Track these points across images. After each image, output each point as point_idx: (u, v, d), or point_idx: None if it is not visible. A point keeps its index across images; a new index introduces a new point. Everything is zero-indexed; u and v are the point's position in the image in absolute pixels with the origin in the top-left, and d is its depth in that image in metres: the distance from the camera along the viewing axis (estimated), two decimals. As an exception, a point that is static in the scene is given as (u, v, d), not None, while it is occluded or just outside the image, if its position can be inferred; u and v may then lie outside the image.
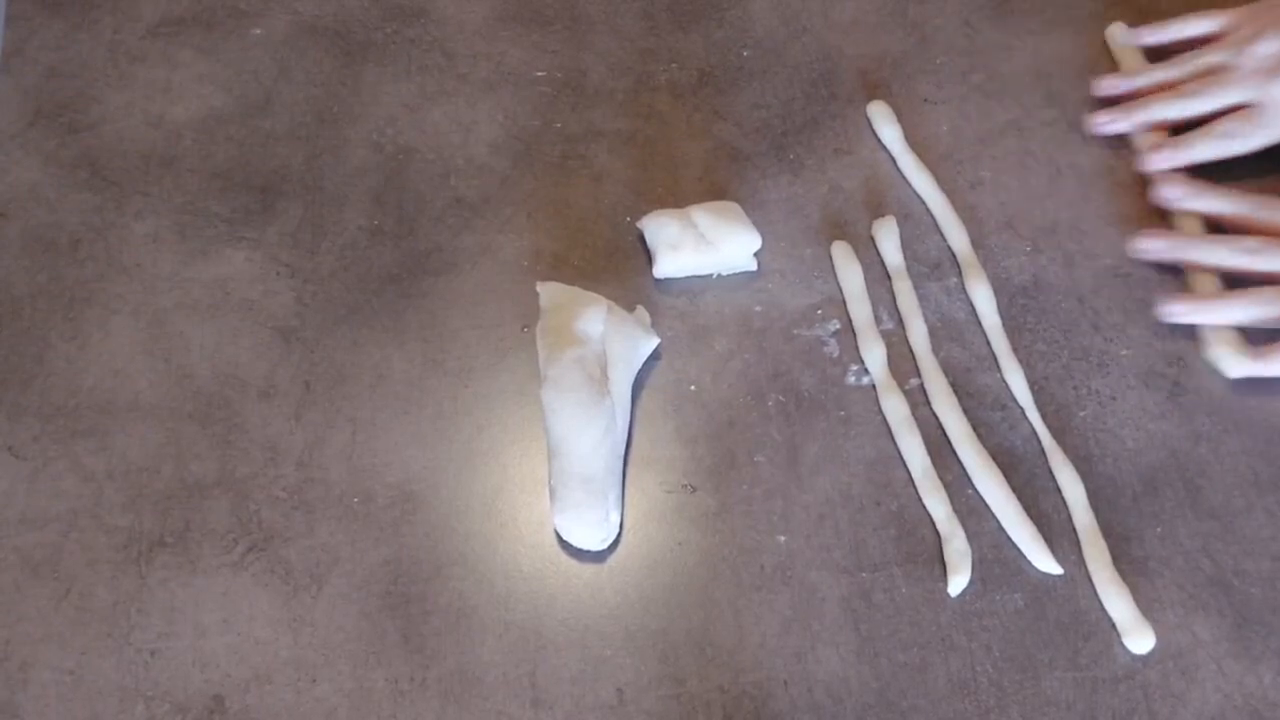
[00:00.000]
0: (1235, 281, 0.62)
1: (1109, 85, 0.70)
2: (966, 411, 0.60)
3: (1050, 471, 0.58)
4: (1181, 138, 0.67)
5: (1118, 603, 0.55)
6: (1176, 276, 0.64)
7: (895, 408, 0.60)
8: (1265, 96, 0.66)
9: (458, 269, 0.64)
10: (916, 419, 0.59)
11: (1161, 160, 0.67)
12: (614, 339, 0.58)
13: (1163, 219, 0.66)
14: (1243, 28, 0.69)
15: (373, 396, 0.60)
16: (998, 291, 0.63)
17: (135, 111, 0.69)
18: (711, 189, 0.67)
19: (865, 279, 0.64)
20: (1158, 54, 0.71)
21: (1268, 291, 0.60)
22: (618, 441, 0.57)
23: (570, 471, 0.56)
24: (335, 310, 0.63)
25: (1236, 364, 0.60)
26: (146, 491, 0.57)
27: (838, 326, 0.62)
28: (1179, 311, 0.62)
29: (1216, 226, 0.65)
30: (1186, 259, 0.63)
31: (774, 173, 0.67)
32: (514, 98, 0.70)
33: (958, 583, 0.55)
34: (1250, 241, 0.62)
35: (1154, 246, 0.64)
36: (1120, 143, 0.68)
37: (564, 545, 0.57)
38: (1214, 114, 0.67)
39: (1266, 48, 0.66)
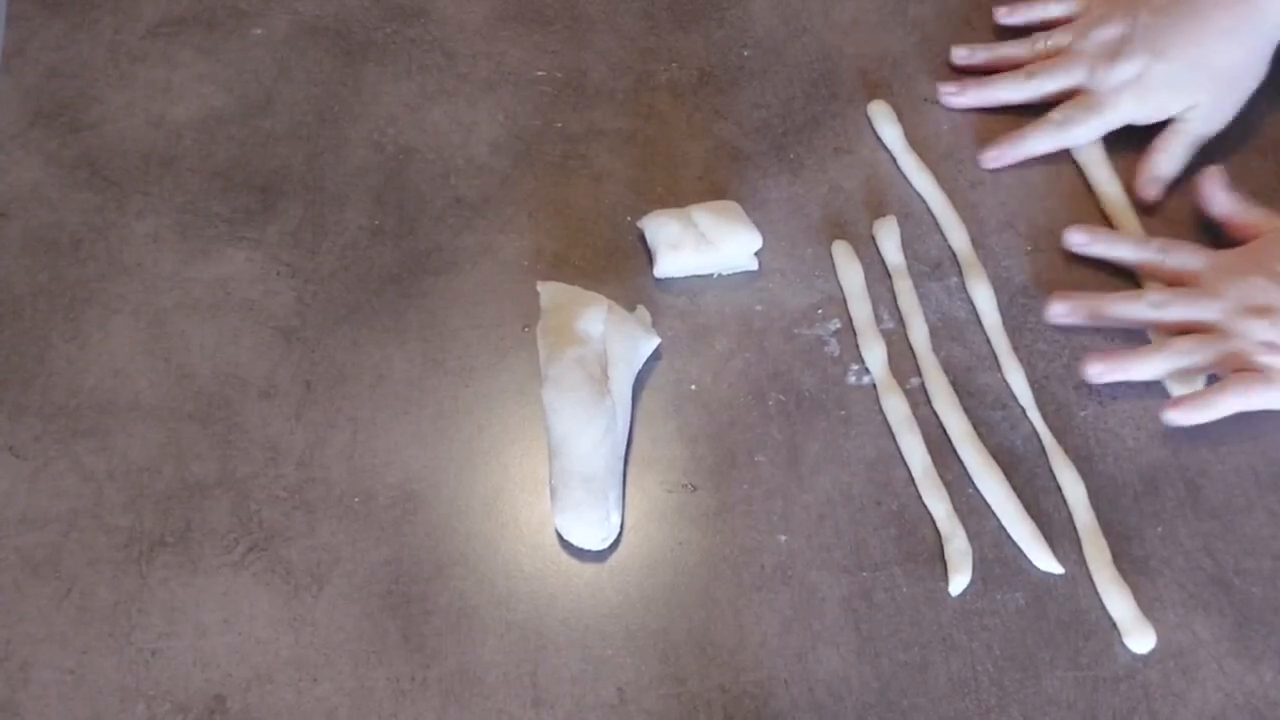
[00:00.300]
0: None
1: (961, 55, 0.70)
2: (967, 411, 0.60)
3: (1051, 471, 0.58)
4: (1017, 132, 0.67)
5: (1118, 602, 0.55)
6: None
7: (896, 407, 0.60)
8: (1099, 82, 0.65)
9: (458, 269, 0.64)
10: (917, 418, 0.59)
11: (997, 158, 0.66)
12: (614, 339, 0.58)
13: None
14: (1093, 11, 0.68)
15: (373, 396, 0.60)
16: (998, 291, 0.63)
17: (136, 111, 0.69)
18: (712, 188, 0.67)
19: (866, 278, 0.64)
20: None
21: (1180, 342, 0.59)
22: (618, 441, 0.57)
23: (571, 471, 0.56)
24: (336, 310, 0.63)
25: (1172, 415, 0.58)
26: (147, 491, 0.57)
27: (838, 326, 0.62)
28: (1098, 372, 0.59)
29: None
30: (1101, 317, 0.61)
31: (774, 172, 0.67)
32: (514, 97, 0.70)
33: (958, 582, 0.55)
34: (1156, 295, 0.60)
35: (1062, 310, 0.61)
36: (1117, 140, 0.68)
37: (565, 545, 0.57)
38: (1055, 99, 0.67)
39: (1108, 33, 0.66)
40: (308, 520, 0.57)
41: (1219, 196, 0.63)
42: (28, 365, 0.61)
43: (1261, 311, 0.57)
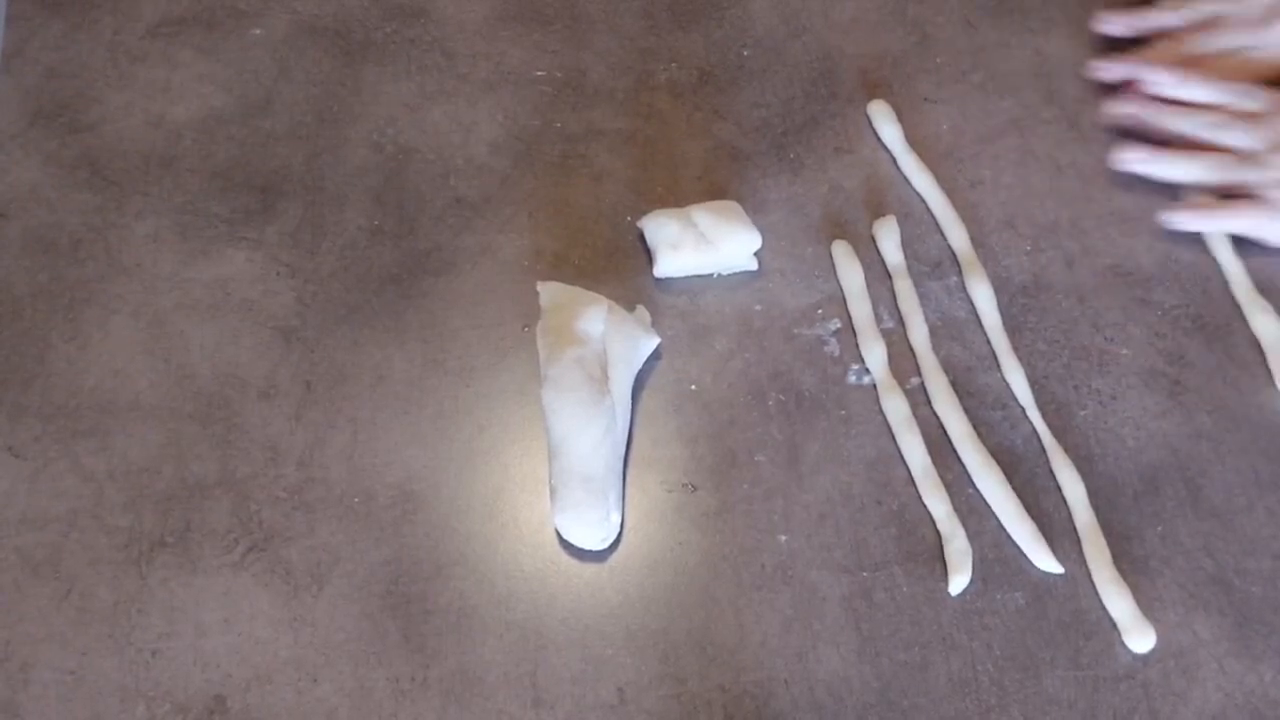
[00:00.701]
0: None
1: (1113, 24, 0.71)
2: (967, 411, 0.60)
3: (1051, 471, 0.58)
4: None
5: (1118, 602, 0.55)
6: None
7: (896, 407, 0.60)
8: (1260, 42, 0.68)
9: (458, 269, 0.64)
10: (917, 418, 0.59)
11: (1184, 222, 0.65)
12: (614, 338, 0.58)
13: (1173, 196, 0.66)
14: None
15: (373, 396, 0.60)
16: (998, 290, 0.63)
17: (135, 111, 0.69)
18: (711, 188, 0.67)
19: (866, 278, 0.64)
20: None
21: (1213, 157, 0.64)
22: (618, 441, 0.57)
23: (571, 471, 0.56)
24: (335, 310, 0.63)
25: (1177, 217, 0.64)
26: (147, 492, 0.57)
27: (838, 325, 0.62)
28: (1130, 160, 0.65)
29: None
30: (1161, 124, 0.66)
31: (774, 172, 0.67)
32: (514, 97, 0.70)
33: (958, 582, 0.55)
34: (1214, 117, 0.65)
35: (1126, 110, 0.67)
36: (1122, 138, 0.68)
37: (565, 545, 0.57)
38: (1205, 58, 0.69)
39: None
40: (308, 520, 0.57)
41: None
42: (28, 365, 0.61)
43: None
